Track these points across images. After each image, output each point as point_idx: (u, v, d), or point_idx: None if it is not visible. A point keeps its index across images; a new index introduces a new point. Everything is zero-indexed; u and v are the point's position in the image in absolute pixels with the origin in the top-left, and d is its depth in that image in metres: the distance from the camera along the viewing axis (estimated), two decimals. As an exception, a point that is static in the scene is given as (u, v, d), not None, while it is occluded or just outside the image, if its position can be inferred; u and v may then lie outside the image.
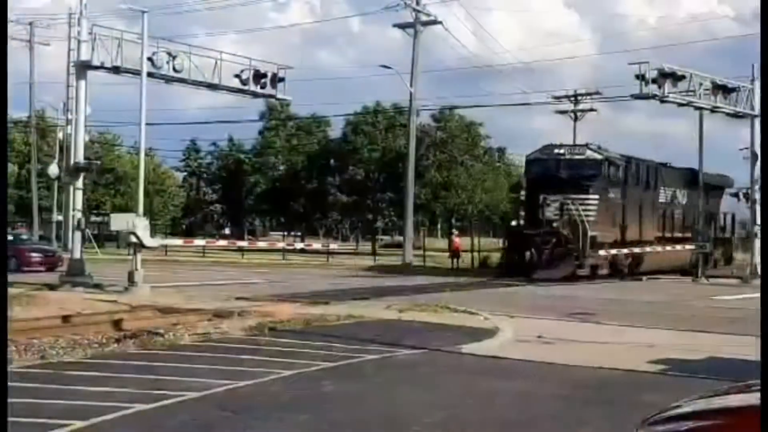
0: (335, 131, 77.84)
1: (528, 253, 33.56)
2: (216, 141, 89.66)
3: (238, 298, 22.36)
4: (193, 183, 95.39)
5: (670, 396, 6.13)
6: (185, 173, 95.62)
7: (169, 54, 27.06)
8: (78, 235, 26.69)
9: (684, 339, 15.96)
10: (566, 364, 13.09)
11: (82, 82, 26.35)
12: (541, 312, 20.23)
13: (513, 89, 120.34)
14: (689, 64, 33.59)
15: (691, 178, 41.84)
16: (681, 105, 32.63)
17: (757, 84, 32.99)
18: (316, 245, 59.10)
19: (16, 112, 75.19)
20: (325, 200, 77.58)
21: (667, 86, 30.64)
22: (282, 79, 29.73)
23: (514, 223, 37.82)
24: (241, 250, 54.38)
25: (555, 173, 35.09)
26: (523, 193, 35.43)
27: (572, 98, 60.31)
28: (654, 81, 30.35)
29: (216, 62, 28.41)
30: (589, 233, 33.53)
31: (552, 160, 35.69)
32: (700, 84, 32.23)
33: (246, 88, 29.10)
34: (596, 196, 34.82)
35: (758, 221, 34.43)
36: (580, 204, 33.81)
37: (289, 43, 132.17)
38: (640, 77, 30.03)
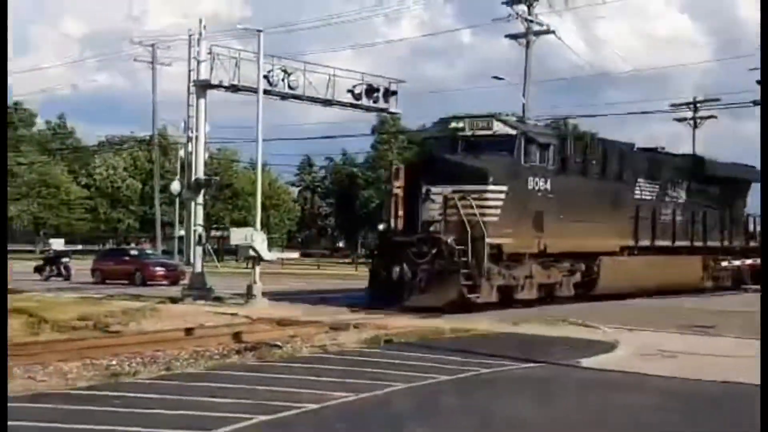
0: (447, 143, 77.82)
1: (396, 270, 22.66)
2: (330, 155, 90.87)
3: (353, 311, 22.57)
4: (307, 197, 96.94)
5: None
6: (300, 187, 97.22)
7: (285, 71, 27.63)
8: (199, 249, 27.41)
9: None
10: (689, 377, 12.75)
11: (202, 101, 27.11)
12: (660, 325, 19.73)
13: (628, 97, 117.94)
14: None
15: (696, 168, 32.58)
16: (805, 110, 31.33)
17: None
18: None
19: (139, 131, 77.92)
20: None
21: (791, 91, 29.53)
22: (394, 93, 29.95)
23: (382, 227, 24.67)
24: (354, 263, 54.94)
25: (443, 155, 24.36)
26: (397, 184, 23.60)
27: (691, 105, 58.84)
28: (776, 86, 29.28)
29: (329, 78, 28.86)
30: (489, 240, 22.53)
31: (445, 138, 24.94)
32: (827, 88, 30.94)
33: (359, 102, 29.42)
34: (502, 188, 23.37)
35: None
36: (476, 199, 22.66)
37: (400, 56, 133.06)
38: (761, 82, 29.04)
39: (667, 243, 30.32)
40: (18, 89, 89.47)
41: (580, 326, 18.94)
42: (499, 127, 24.40)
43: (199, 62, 27.00)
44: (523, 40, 43.09)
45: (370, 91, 29.51)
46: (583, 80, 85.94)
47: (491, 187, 23.23)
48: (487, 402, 11.21)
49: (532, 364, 13.79)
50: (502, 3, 42.55)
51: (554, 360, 14.13)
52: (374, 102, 29.68)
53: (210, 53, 27.05)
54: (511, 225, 23.44)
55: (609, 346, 15.87)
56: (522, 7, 42.21)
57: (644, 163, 30.12)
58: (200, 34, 27.24)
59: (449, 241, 22.46)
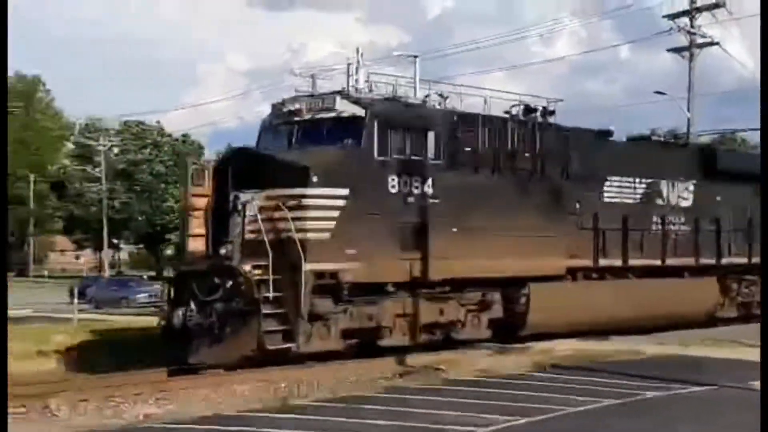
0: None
1: (179, 313, 16.13)
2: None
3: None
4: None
5: None
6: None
7: (441, 95, 27.84)
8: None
9: None
10: None
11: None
12: None
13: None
14: None
15: (706, 162, 24.29)
16: None
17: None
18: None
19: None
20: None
21: None
22: (552, 112, 29.53)
23: (171, 252, 17.31)
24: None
25: (256, 149, 18.31)
26: (197, 191, 17.82)
27: None
28: None
29: (485, 100, 28.88)
30: (310, 266, 15.80)
31: (281, 125, 18.28)
32: None
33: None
34: (337, 191, 16.56)
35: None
36: (292, 208, 16.10)
37: (558, 75, 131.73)
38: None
39: (652, 261, 22.06)
40: (187, 123, 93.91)
41: (756, 347, 18.10)
42: (343, 107, 17.88)
43: (357, 90, 27.58)
44: (686, 54, 41.90)
45: (528, 111, 29.34)
46: (752, 92, 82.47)
47: (315, 191, 16.32)
48: (653, 426, 10.90)
49: (701, 387, 13.32)
50: (663, 17, 41.55)
51: (724, 382, 13.61)
52: (532, 123, 29.51)
53: (368, 81, 27.59)
54: (357, 243, 16.42)
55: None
56: (684, 20, 41.06)
57: (620, 155, 22.22)
58: (358, 62, 27.81)
59: (248, 269, 15.82)
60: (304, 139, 17.66)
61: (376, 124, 17.41)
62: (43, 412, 12.35)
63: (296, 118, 17.89)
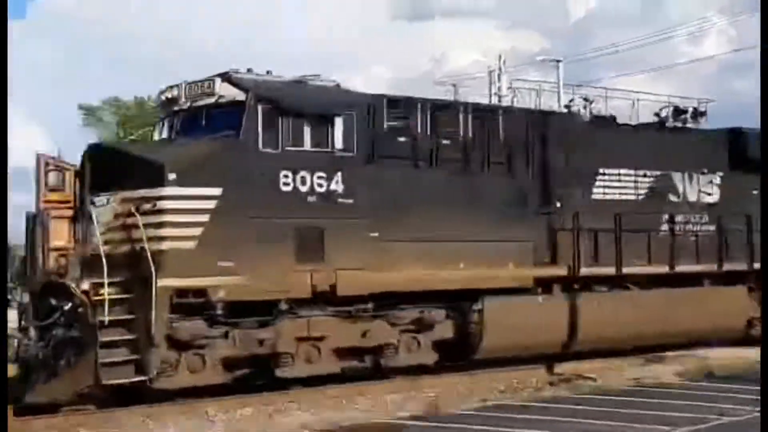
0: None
1: (15, 343, 13.18)
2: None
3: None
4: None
5: None
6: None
7: (586, 99, 27.48)
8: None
9: None
10: None
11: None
12: None
13: None
14: None
15: (736, 149, 20.75)
16: None
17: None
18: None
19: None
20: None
21: None
22: (703, 113, 28.71)
23: (16, 267, 14.34)
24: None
25: (121, 143, 15.30)
26: (52, 196, 14.25)
27: None
28: None
29: (633, 103, 28.34)
30: (165, 283, 12.84)
31: (165, 116, 15.53)
32: None
33: (666, 125, 28.63)
34: (204, 191, 13.46)
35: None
36: (146, 213, 13.24)
37: (705, 75, 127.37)
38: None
39: (657, 269, 18.18)
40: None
41: None
42: (224, 91, 14.45)
43: (500, 97, 27.60)
44: None
45: (678, 112, 28.59)
46: None
47: (173, 191, 13.30)
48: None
49: None
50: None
51: None
52: (683, 124, 28.78)
53: (510, 87, 27.58)
54: (235, 253, 13.41)
55: None
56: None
57: (618, 145, 19.18)
58: (500, 69, 27.90)
59: (85, 288, 12.94)
60: (183, 130, 14.80)
61: (260, 109, 14.03)
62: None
63: (176, 107, 15.04)
